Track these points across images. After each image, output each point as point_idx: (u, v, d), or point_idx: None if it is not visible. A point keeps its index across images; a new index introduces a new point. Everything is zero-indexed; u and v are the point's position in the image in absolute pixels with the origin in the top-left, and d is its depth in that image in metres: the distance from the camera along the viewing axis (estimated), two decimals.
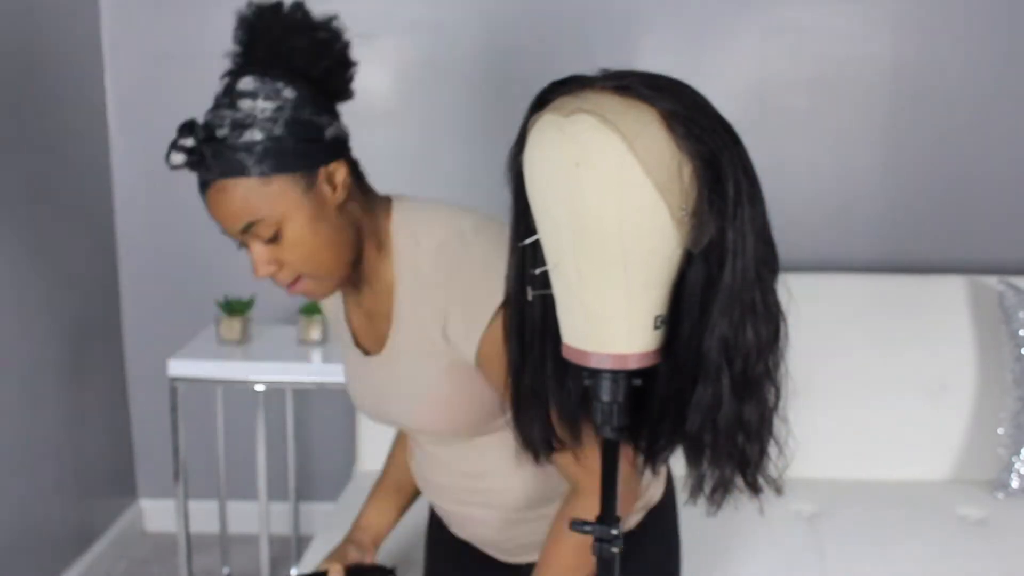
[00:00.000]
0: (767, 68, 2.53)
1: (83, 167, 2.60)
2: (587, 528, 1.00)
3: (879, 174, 2.57)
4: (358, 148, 2.96)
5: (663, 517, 1.47)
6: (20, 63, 2.29)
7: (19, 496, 2.32)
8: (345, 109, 2.87)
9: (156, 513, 2.92)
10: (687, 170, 0.87)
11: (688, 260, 0.91)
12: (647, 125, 0.86)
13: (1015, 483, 2.19)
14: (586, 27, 2.54)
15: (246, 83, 1.18)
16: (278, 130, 1.15)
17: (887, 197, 2.58)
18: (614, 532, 1.00)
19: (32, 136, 2.34)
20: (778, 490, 1.03)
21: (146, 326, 2.81)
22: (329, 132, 1.21)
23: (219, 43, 2.81)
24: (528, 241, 0.97)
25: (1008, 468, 2.21)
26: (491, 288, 1.15)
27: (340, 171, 1.23)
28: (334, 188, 1.22)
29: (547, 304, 0.98)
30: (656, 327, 0.92)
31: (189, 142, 1.17)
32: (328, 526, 2.12)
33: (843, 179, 2.58)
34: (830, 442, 2.30)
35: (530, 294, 0.99)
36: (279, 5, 1.23)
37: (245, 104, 1.16)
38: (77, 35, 2.55)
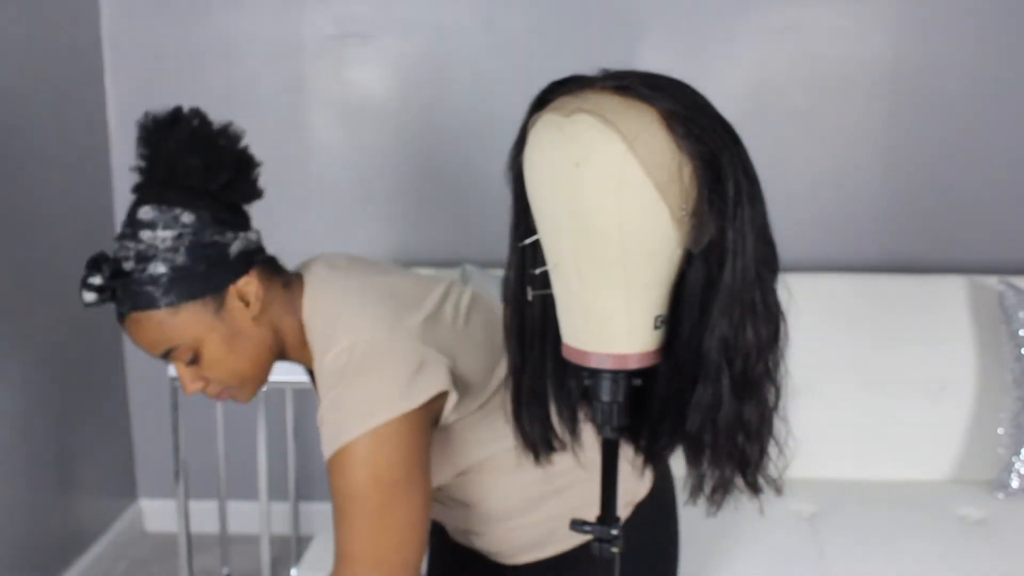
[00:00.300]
0: (767, 68, 2.53)
1: (83, 167, 2.60)
2: (587, 528, 1.00)
3: (879, 174, 2.57)
4: (358, 148, 2.96)
5: (652, 511, 1.44)
6: (20, 63, 2.29)
7: (19, 496, 2.32)
8: (346, 108, 2.88)
9: (156, 513, 2.92)
10: (687, 170, 0.86)
11: (688, 260, 0.91)
12: (647, 125, 0.86)
13: (1015, 483, 2.20)
14: (586, 27, 2.54)
15: (145, 212, 1.18)
16: (180, 259, 1.15)
17: (887, 197, 2.58)
18: (614, 532, 1.00)
19: (32, 136, 2.34)
20: (778, 490, 1.03)
21: None
22: (235, 248, 1.19)
23: (219, 43, 2.83)
24: (528, 241, 0.97)
25: (1008, 468, 2.21)
26: (359, 414, 1.13)
27: (251, 285, 1.21)
28: (247, 303, 1.21)
29: (547, 304, 0.98)
30: (656, 327, 0.92)
31: (97, 280, 1.19)
32: (328, 526, 2.12)
33: (843, 179, 2.58)
34: (830, 442, 2.30)
35: (530, 294, 0.99)
36: (176, 117, 1.20)
37: (146, 235, 1.16)
38: (77, 35, 2.55)
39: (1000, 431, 2.26)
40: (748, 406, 0.96)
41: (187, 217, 1.16)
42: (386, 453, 1.13)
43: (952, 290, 2.34)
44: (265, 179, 3.02)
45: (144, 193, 1.20)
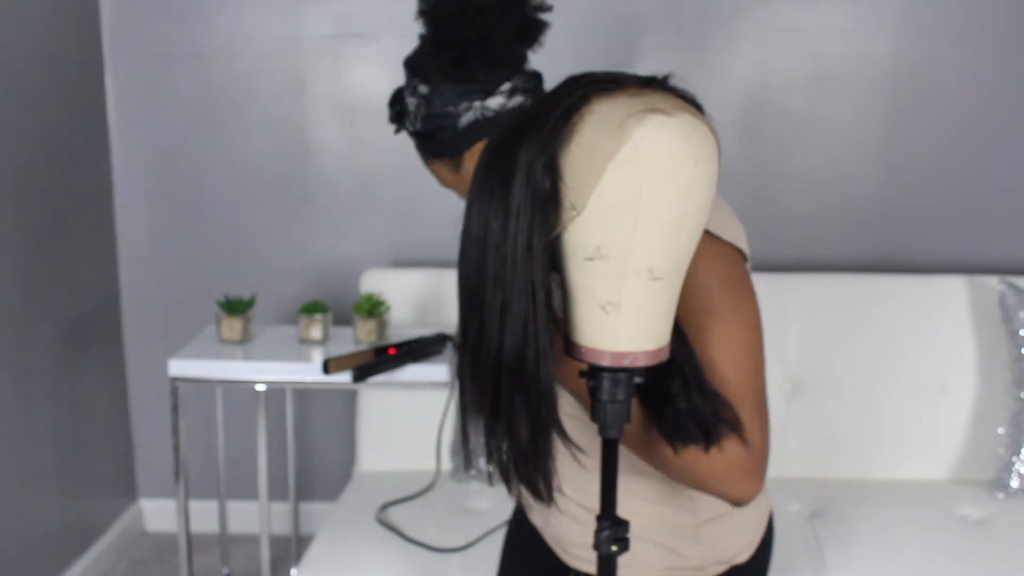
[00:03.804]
0: (767, 68, 2.53)
1: (83, 167, 2.60)
2: (605, 524, 0.99)
3: (879, 174, 2.57)
4: (358, 148, 2.96)
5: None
6: (20, 63, 2.29)
7: (19, 496, 2.32)
8: (346, 109, 2.86)
9: (156, 513, 2.92)
10: None
11: None
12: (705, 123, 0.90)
13: (1015, 483, 2.20)
14: (586, 27, 2.54)
15: (404, 78, 1.28)
16: (419, 125, 1.25)
17: (887, 197, 2.58)
18: (617, 530, 1.00)
19: (32, 136, 2.34)
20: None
21: (146, 326, 2.81)
22: (465, 120, 1.22)
23: (219, 43, 2.83)
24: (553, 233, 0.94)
25: (1008, 468, 2.21)
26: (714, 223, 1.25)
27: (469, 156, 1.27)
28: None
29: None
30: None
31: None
32: (328, 526, 2.13)
33: (843, 179, 2.58)
34: (830, 442, 2.30)
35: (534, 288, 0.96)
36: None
37: (407, 100, 1.28)
38: (77, 35, 2.55)
39: (1000, 431, 2.26)
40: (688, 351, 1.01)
41: (423, 88, 1.24)
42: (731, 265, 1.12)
43: (952, 290, 2.34)
44: (265, 179, 3.03)
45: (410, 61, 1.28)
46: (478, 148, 1.23)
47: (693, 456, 1.04)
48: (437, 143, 1.24)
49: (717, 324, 1.07)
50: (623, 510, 1.13)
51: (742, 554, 1.30)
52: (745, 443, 1.05)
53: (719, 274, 1.09)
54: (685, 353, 1.00)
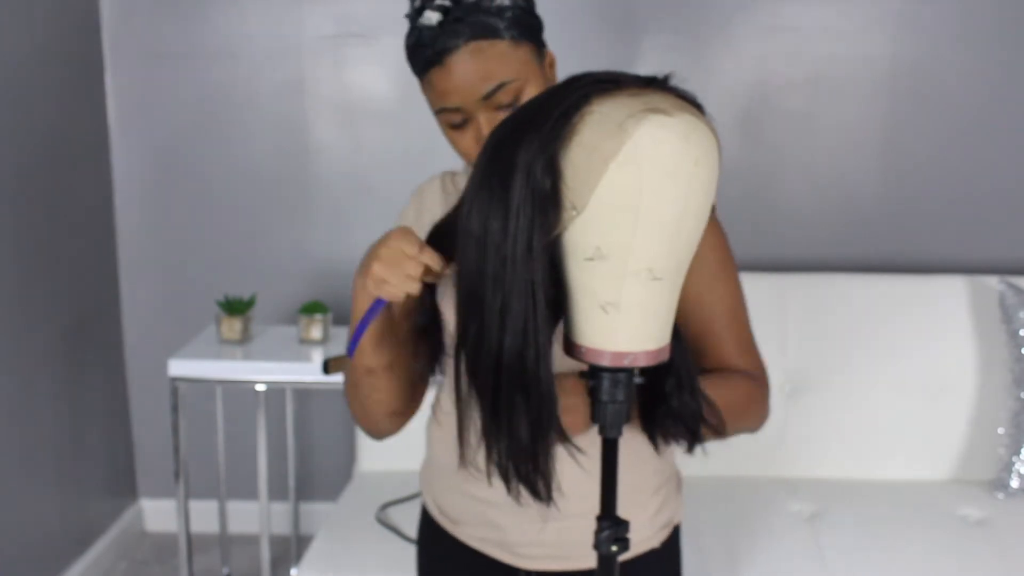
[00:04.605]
0: (767, 68, 2.53)
1: (83, 167, 2.60)
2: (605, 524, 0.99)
3: (879, 174, 2.57)
4: (358, 148, 2.96)
5: (679, 540, 1.41)
6: (20, 63, 2.29)
7: (19, 496, 2.32)
8: (346, 109, 2.87)
9: (156, 513, 2.92)
10: None
11: None
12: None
13: (1015, 483, 2.20)
14: (586, 27, 2.54)
15: None
16: (522, 1, 1.20)
17: (887, 197, 2.58)
18: (618, 530, 1.00)
19: (32, 136, 2.34)
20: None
21: (146, 326, 2.81)
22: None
23: (219, 43, 2.83)
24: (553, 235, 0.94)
25: (1008, 468, 2.21)
26: None
27: (551, 56, 1.26)
28: (551, 67, 1.27)
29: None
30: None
31: (447, 1, 1.17)
32: (328, 526, 2.13)
33: (843, 179, 2.58)
34: (830, 442, 2.30)
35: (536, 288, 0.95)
36: None
37: None
38: (77, 35, 2.55)
39: (1000, 431, 2.26)
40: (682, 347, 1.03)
41: None
42: None
43: (952, 290, 2.34)
44: (265, 179, 3.03)
45: None
46: (548, 55, 1.26)
47: (745, 394, 1.21)
48: (535, 26, 1.21)
49: (731, 278, 1.25)
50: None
51: (680, 511, 1.39)
52: (757, 379, 1.23)
53: (723, 238, 1.26)
54: (681, 353, 1.01)
